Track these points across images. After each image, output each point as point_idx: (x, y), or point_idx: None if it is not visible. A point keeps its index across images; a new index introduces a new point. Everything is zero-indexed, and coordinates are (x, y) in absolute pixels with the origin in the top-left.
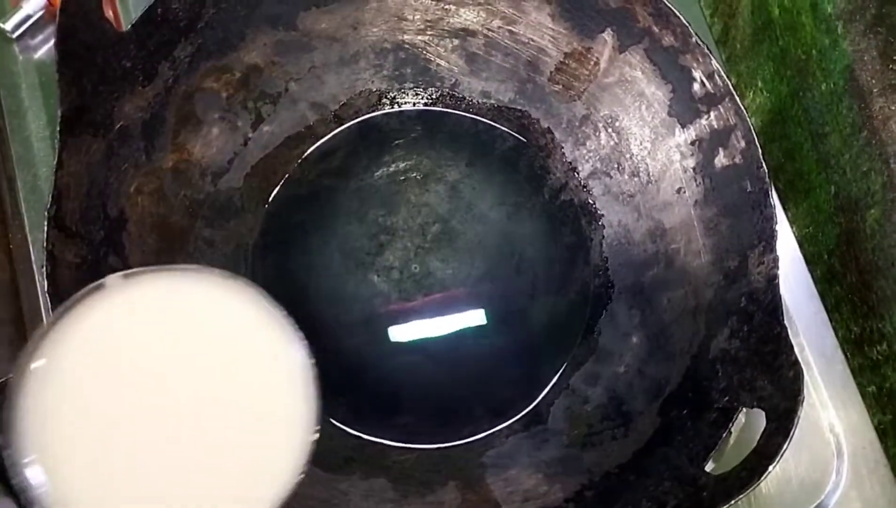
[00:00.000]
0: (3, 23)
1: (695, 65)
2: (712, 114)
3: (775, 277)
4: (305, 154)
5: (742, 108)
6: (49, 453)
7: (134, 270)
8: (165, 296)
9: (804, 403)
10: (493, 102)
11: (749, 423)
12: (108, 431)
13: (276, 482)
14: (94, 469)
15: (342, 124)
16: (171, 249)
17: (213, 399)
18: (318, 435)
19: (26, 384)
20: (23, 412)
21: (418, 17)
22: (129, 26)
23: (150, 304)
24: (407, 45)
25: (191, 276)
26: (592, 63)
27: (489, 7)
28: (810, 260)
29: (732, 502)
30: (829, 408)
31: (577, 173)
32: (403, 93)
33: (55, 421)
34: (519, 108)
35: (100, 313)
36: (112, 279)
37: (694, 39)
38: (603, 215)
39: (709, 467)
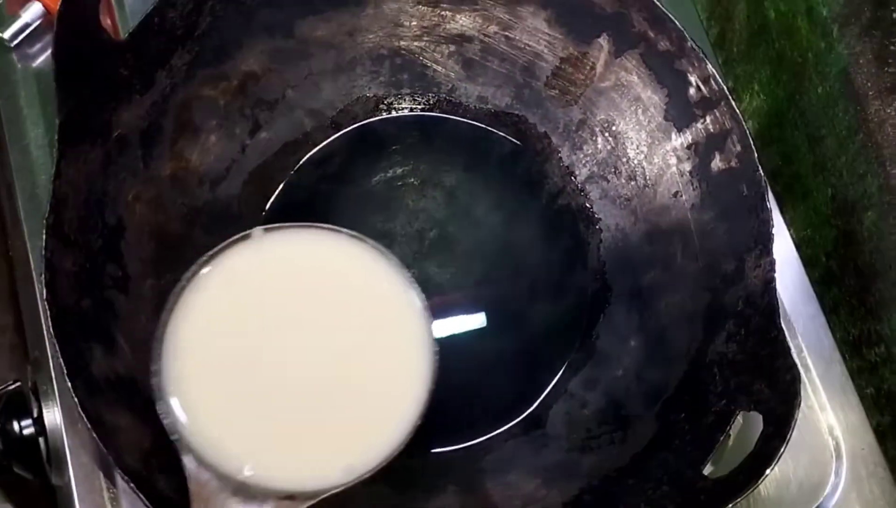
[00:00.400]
0: (2, 31)
1: (690, 69)
2: (708, 118)
3: (772, 280)
4: (303, 161)
5: (738, 111)
6: (185, 383)
7: (274, 225)
8: (299, 247)
9: (802, 405)
10: (489, 107)
11: (747, 426)
12: (242, 366)
13: (406, 407)
14: (225, 400)
15: (339, 131)
16: (169, 256)
17: (342, 339)
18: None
19: (172, 320)
20: (166, 347)
21: (414, 23)
22: (127, 35)
23: (286, 253)
24: (403, 52)
25: (322, 232)
26: (588, 68)
27: (485, 13)
28: (808, 263)
29: (731, 505)
30: (828, 410)
31: (574, 178)
32: (400, 99)
33: (193, 355)
34: (516, 113)
35: (243, 258)
36: (256, 231)
37: (689, 44)
38: (600, 219)
39: (707, 470)
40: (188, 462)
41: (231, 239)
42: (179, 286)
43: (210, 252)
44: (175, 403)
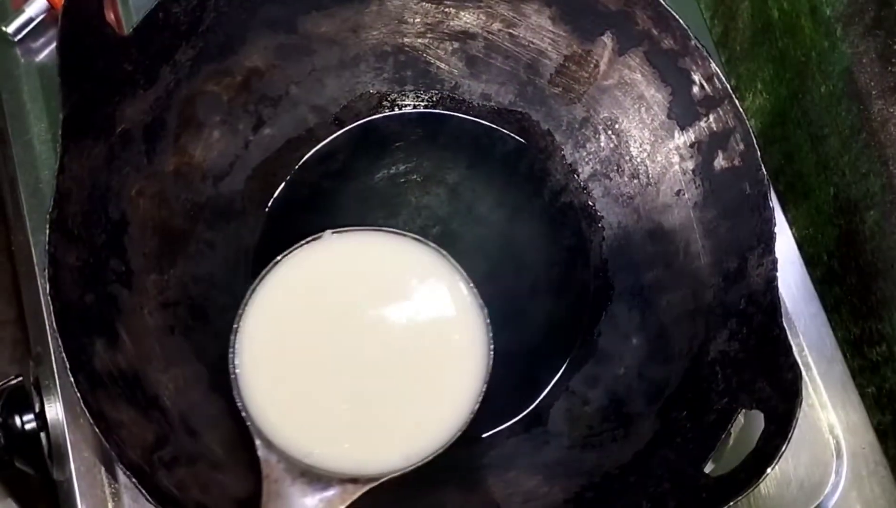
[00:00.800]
0: (6, 26)
1: (694, 67)
2: (711, 116)
3: (774, 278)
4: (306, 157)
5: (741, 110)
6: (257, 372)
7: (343, 228)
8: (366, 248)
9: (803, 404)
10: (493, 104)
11: (748, 424)
12: (310, 357)
13: (463, 398)
14: (294, 389)
15: (343, 127)
16: (172, 251)
17: (404, 333)
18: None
19: (246, 314)
20: (240, 338)
21: (418, 20)
22: (131, 30)
23: (353, 253)
24: (407, 48)
25: (387, 234)
26: (592, 66)
27: (489, 10)
28: (810, 262)
29: (732, 503)
30: (829, 409)
31: (577, 175)
32: (404, 95)
33: (265, 347)
34: (519, 110)
35: (313, 258)
36: (326, 234)
37: (693, 42)
38: (602, 217)
39: (708, 468)
40: (259, 446)
41: (304, 240)
42: (255, 284)
43: (285, 252)
44: (248, 390)
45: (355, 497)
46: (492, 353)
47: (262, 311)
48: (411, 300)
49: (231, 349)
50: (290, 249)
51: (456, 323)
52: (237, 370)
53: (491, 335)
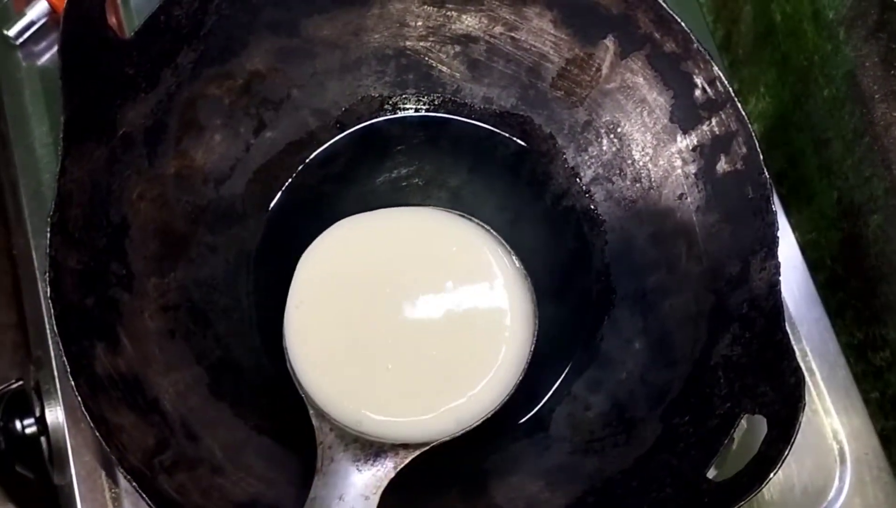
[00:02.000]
0: (7, 29)
1: (696, 71)
2: (714, 120)
3: (777, 283)
4: (307, 160)
5: (743, 114)
6: (309, 344)
7: (391, 208)
8: (408, 222)
9: (806, 409)
10: (495, 108)
11: (751, 429)
12: (359, 327)
13: (509, 366)
14: (345, 359)
15: (344, 130)
16: (173, 254)
17: (453, 302)
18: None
19: (296, 287)
20: (290, 311)
21: (420, 23)
22: (132, 33)
23: (396, 226)
24: (409, 52)
25: (431, 212)
26: (594, 69)
27: (491, 13)
28: (813, 266)
29: None
30: (832, 414)
31: (579, 179)
32: (405, 99)
33: (315, 319)
34: (521, 114)
35: (359, 229)
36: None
37: (695, 46)
38: (605, 221)
39: (710, 473)
40: (313, 415)
41: (357, 215)
42: (317, 240)
43: (345, 218)
44: (299, 361)
45: (407, 461)
46: (537, 320)
47: (310, 283)
48: (456, 270)
49: (284, 321)
50: (350, 217)
51: (501, 291)
52: (289, 342)
53: (535, 301)
